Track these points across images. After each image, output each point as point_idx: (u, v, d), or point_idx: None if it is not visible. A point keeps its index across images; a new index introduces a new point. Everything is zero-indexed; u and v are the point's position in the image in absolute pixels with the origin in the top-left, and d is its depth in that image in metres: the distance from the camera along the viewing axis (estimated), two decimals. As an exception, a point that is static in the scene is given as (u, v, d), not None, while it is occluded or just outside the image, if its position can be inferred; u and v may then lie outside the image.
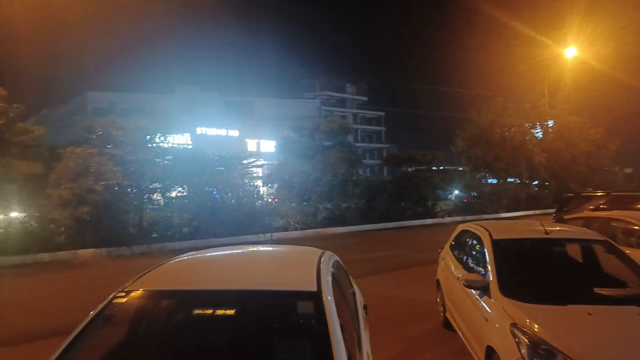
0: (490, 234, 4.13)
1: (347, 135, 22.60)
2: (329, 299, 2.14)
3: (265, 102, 43.21)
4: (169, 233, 14.85)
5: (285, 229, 16.72)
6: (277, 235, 15.31)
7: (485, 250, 3.97)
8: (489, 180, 28.11)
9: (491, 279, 3.57)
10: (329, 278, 2.43)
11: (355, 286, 3.52)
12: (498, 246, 3.91)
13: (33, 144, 15.26)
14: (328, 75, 56.23)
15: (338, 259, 3.18)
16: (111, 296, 2.24)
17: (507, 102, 26.65)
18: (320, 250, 3.07)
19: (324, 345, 1.89)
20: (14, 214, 13.77)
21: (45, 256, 12.06)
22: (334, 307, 2.10)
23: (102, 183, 12.69)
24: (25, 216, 13.59)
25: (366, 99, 60.90)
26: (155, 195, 15.91)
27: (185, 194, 16.29)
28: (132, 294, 2.22)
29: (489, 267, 3.72)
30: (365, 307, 3.37)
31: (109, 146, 14.34)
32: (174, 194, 16.21)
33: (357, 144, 44.42)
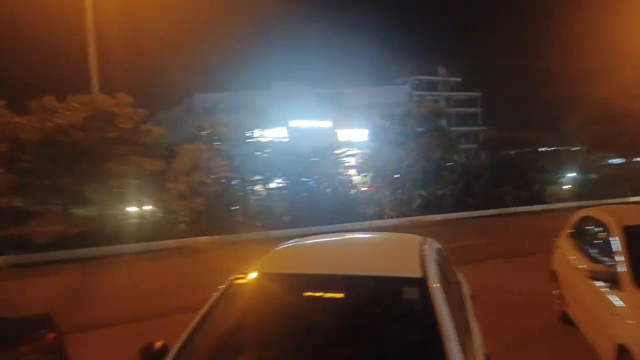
0: (619, 220, 3.81)
1: (440, 120, 21.82)
2: (435, 286, 2.13)
3: (355, 92, 43.35)
4: (271, 221, 15.92)
5: (380, 217, 16.84)
6: (372, 223, 15.52)
7: (614, 238, 3.67)
8: (611, 161, 24.92)
9: (623, 269, 3.30)
10: (434, 265, 2.43)
11: (460, 275, 3.45)
12: (630, 233, 3.59)
13: (154, 144, 17.37)
14: (418, 59, 54.41)
15: (440, 246, 3.17)
16: (231, 278, 2.46)
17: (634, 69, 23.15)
18: (421, 237, 3.07)
19: (432, 334, 1.86)
20: (145, 207, 15.91)
21: (170, 243, 13.80)
22: (441, 295, 2.07)
23: (212, 176, 14.07)
24: (152, 208, 15.64)
25: (459, 79, 57.67)
26: (256, 186, 17.13)
27: (283, 184, 17.27)
28: (251, 276, 2.44)
29: (619, 257, 3.44)
30: (472, 298, 3.30)
31: (216, 143, 15.80)
32: (273, 185, 17.29)
33: (452, 128, 42.37)
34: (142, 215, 15.19)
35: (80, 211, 14.72)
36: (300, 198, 16.44)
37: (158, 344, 2.12)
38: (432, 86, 56.16)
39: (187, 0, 24.26)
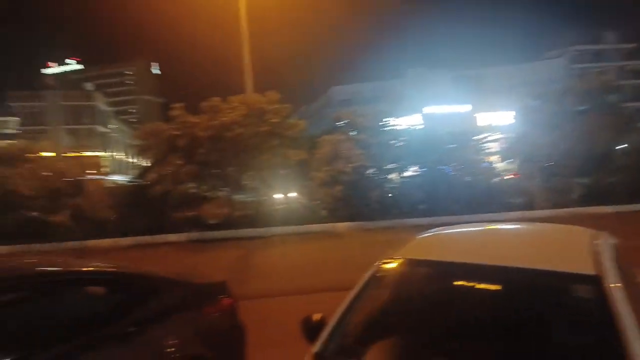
0: None
1: (609, 95, 18.69)
2: (615, 286, 1.93)
3: (498, 71, 39.82)
4: (406, 210, 15.97)
5: (529, 207, 15.42)
6: (519, 214, 14.33)
7: None
8: None
9: None
10: (611, 263, 2.19)
11: None
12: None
13: (298, 136, 18.91)
14: (577, 26, 47.03)
15: (616, 241, 2.77)
16: (378, 262, 2.54)
17: None
18: (591, 230, 2.77)
19: (611, 339, 1.70)
20: (291, 194, 17.54)
21: (314, 227, 15.00)
22: (622, 296, 1.88)
23: (350, 165, 14.74)
24: (296, 195, 17.16)
25: (634, 45, 48.08)
26: (392, 175, 17.33)
27: (418, 172, 17.09)
28: (397, 261, 2.50)
29: None
30: None
31: (353, 132, 16.46)
32: (408, 173, 17.25)
33: (626, 104, 35.72)
34: (288, 202, 16.79)
35: (240, 197, 17.02)
36: (437, 186, 16.07)
37: (317, 316, 2.31)
38: (596, 56, 48.06)
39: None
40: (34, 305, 2.95)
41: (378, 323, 2.39)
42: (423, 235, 2.98)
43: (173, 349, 2.96)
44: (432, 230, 3.16)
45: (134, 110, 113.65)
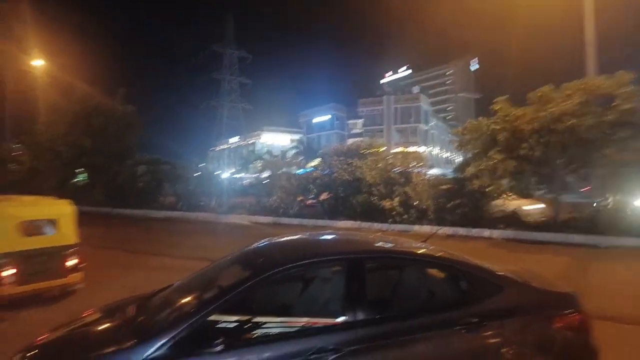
0: None
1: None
2: None
3: None
4: None
5: None
6: None
7: None
8: None
9: None
10: None
11: None
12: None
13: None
14: None
15: None
16: None
17: None
18: None
19: None
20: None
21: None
22: None
23: None
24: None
25: None
26: None
27: None
28: None
29: None
30: None
31: None
32: None
33: None
34: (634, 208, 13.30)
35: (566, 197, 14.80)
36: None
37: None
38: None
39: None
40: (396, 280, 3.54)
41: None
42: None
43: (510, 352, 2.88)
44: None
45: (451, 108, 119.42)
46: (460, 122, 29.46)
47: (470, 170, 14.81)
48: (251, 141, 70.90)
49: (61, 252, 6.69)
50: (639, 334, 5.27)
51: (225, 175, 31.95)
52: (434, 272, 3.45)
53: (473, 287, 3.17)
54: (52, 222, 6.87)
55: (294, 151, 42.61)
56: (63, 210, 7.01)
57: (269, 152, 30.42)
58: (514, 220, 15.35)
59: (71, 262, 6.78)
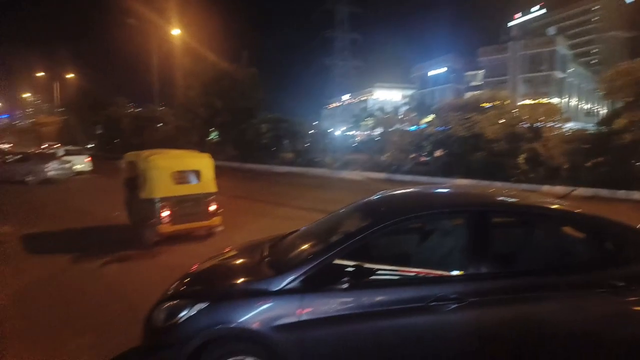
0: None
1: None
2: None
3: None
4: None
5: None
6: None
7: None
8: None
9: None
10: None
11: None
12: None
13: None
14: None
15: None
16: None
17: None
18: None
19: None
20: None
21: None
22: None
23: None
24: None
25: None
26: None
27: None
28: None
29: None
30: None
31: None
32: None
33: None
34: None
35: None
36: None
37: None
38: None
39: None
40: (527, 234, 3.37)
41: None
42: None
43: None
44: None
45: (597, 50, 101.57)
46: (607, 67, 25.17)
47: (621, 122, 12.74)
48: (363, 98, 70.54)
49: (204, 199, 7.75)
50: None
51: (338, 132, 32.61)
52: (571, 230, 3.18)
53: (619, 248, 2.85)
54: (197, 173, 7.97)
55: (406, 107, 41.28)
56: (205, 162, 8.04)
57: (381, 109, 29.98)
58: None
59: (212, 208, 7.83)
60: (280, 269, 2.89)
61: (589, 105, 60.04)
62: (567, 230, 3.22)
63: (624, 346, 2.62)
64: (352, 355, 2.69)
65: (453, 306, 2.61)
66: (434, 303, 2.63)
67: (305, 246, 3.34)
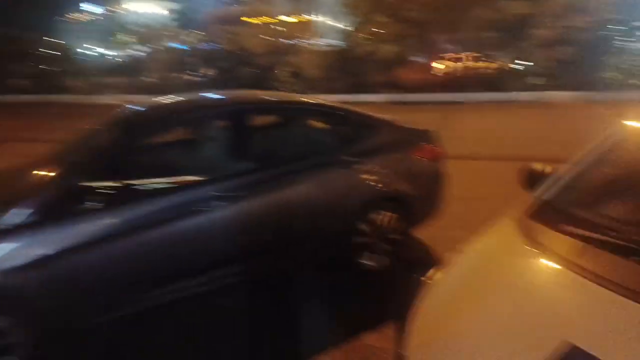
0: None
1: None
2: None
3: None
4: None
5: None
6: None
7: None
8: None
9: None
10: None
11: None
12: None
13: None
14: None
15: None
16: (609, 131, 2.04)
17: None
18: None
19: None
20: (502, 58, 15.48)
21: (522, 95, 13.25)
22: None
23: (589, 20, 11.72)
24: (506, 57, 15.05)
25: None
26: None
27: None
28: (632, 128, 1.98)
29: None
30: None
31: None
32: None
33: None
34: (489, 66, 15.10)
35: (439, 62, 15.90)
36: None
37: (538, 166, 2.09)
38: None
39: None
40: (277, 128, 3.65)
41: (614, 186, 1.95)
42: None
43: (381, 183, 3.31)
44: None
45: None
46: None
47: (355, 38, 14.84)
48: (113, 10, 59.95)
49: None
50: (477, 165, 6.50)
51: (92, 53, 27.72)
52: (315, 121, 3.63)
53: (353, 131, 3.43)
54: None
55: (174, 23, 37.79)
56: None
57: (146, 25, 26.53)
58: (397, 84, 16.30)
59: None
60: (10, 203, 2.38)
61: (340, 24, 67.26)
62: (314, 121, 3.65)
63: (358, 204, 3.24)
64: (119, 275, 2.55)
65: (219, 204, 2.71)
66: (199, 206, 2.67)
67: (44, 173, 2.81)
